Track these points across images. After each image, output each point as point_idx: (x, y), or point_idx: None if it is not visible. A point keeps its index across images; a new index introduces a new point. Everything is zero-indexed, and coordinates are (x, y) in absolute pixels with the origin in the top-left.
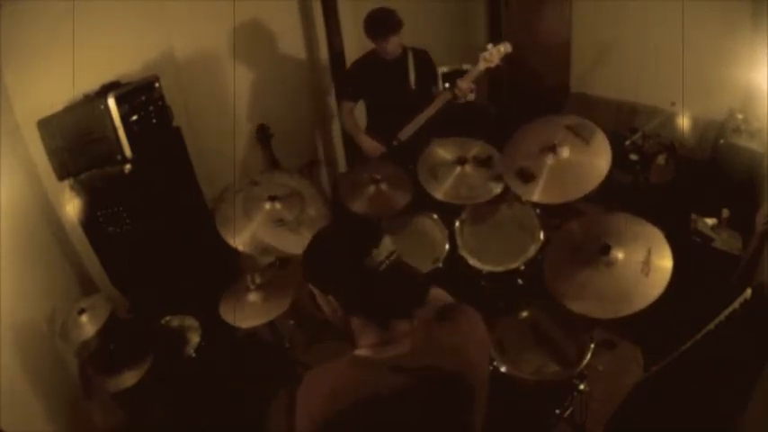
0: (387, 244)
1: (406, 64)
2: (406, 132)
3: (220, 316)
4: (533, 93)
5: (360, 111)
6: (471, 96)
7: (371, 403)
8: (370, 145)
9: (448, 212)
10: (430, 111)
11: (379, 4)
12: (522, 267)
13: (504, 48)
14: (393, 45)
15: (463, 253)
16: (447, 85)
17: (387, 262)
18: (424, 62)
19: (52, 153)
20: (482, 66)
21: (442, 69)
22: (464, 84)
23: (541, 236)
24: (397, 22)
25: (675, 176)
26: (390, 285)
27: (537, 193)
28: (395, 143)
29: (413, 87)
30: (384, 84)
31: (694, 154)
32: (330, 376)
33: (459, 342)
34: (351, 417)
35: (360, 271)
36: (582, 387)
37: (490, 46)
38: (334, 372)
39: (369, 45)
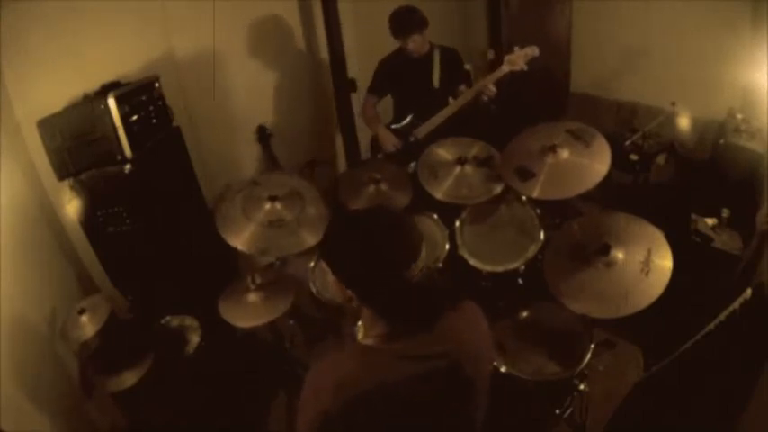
0: (423, 256)
1: (431, 63)
2: (423, 130)
3: (220, 316)
4: (534, 93)
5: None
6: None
7: (378, 392)
8: (387, 137)
9: (448, 212)
10: (448, 111)
11: (379, 3)
12: (522, 267)
13: (531, 51)
14: (415, 44)
15: (463, 253)
16: (462, 87)
17: (419, 273)
18: (452, 61)
19: (52, 153)
20: (506, 68)
21: None
22: (489, 86)
23: (541, 236)
24: (419, 21)
25: (675, 176)
26: (418, 297)
27: (537, 190)
28: (411, 139)
29: (435, 86)
30: (407, 81)
31: (694, 154)
32: (336, 368)
33: (462, 335)
34: (358, 406)
35: (396, 283)
36: (582, 387)
37: (517, 48)
38: (339, 363)
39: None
